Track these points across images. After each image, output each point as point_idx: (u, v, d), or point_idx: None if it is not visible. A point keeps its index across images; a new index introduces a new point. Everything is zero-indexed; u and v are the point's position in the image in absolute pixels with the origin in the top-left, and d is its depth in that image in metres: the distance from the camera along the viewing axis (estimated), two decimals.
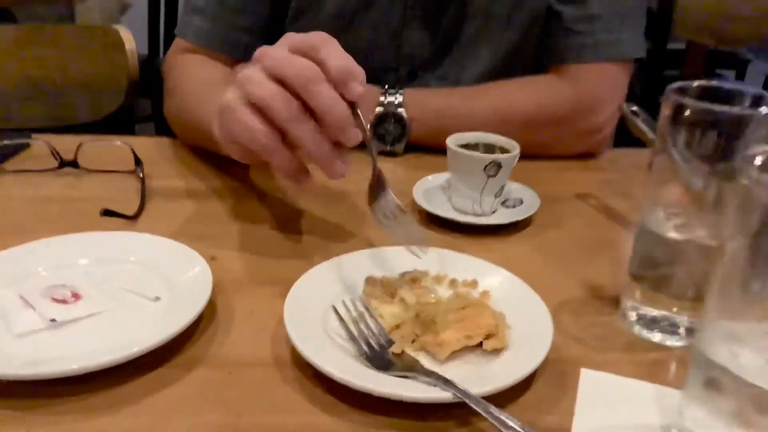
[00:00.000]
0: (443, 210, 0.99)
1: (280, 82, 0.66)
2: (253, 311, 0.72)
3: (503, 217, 1.00)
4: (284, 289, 0.71)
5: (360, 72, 0.66)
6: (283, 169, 0.70)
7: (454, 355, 0.67)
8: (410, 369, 0.63)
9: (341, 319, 0.68)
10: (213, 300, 0.71)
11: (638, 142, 1.13)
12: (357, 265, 0.74)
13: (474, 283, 0.79)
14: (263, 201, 0.99)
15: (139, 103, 2.48)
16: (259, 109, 0.67)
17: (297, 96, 0.65)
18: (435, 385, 0.61)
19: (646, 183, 0.74)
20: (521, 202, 1.04)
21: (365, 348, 0.67)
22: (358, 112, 0.68)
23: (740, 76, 4.34)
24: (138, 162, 1.07)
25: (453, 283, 0.79)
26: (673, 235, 0.72)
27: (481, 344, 0.67)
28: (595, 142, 1.27)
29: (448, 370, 0.65)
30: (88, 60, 1.62)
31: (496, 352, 0.67)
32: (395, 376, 0.63)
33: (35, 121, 1.64)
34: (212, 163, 1.14)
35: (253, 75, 0.67)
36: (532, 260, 0.90)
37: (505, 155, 0.96)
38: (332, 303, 0.73)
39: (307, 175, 0.72)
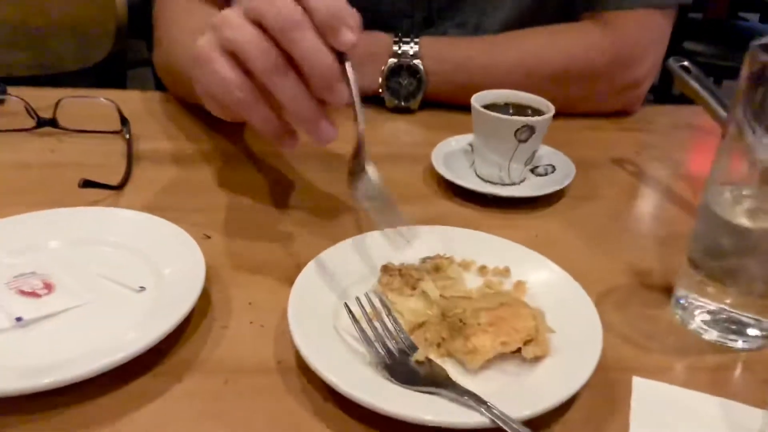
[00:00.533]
0: (465, 178, 0.88)
1: (261, 25, 0.54)
2: (252, 303, 0.62)
3: (534, 187, 0.89)
4: (288, 274, 0.64)
5: (352, 16, 0.54)
6: (262, 128, 0.60)
7: (488, 362, 0.57)
8: (437, 383, 0.54)
9: (355, 320, 0.58)
10: (207, 289, 0.63)
11: (667, 98, 1.01)
12: (372, 248, 0.65)
13: (506, 272, 0.69)
14: (265, 168, 0.89)
15: (133, 46, 2.33)
16: (236, 57, 0.55)
17: (279, 44, 0.53)
18: (466, 405, 0.51)
19: (715, 156, 0.63)
20: (553, 168, 0.93)
21: (384, 354, 0.57)
22: (348, 65, 0.57)
23: (765, 20, 4.15)
24: (124, 121, 0.96)
25: (482, 270, 0.69)
26: (743, 221, 0.61)
27: (518, 350, 0.57)
28: (631, 99, 1.15)
29: (481, 383, 0.56)
30: (71, 1, 1.48)
31: (536, 359, 0.57)
32: (419, 391, 0.53)
33: (17, 69, 1.51)
34: (207, 121, 1.03)
35: (230, 17, 0.55)
36: (567, 239, 0.80)
37: (539, 118, 0.85)
38: (344, 296, 0.63)
39: (293, 137, 0.63)
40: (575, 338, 0.59)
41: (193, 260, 0.64)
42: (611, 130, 1.12)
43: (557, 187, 0.87)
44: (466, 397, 0.52)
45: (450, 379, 0.55)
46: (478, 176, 0.91)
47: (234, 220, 0.76)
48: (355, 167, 0.63)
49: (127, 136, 0.90)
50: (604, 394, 0.58)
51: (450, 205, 0.86)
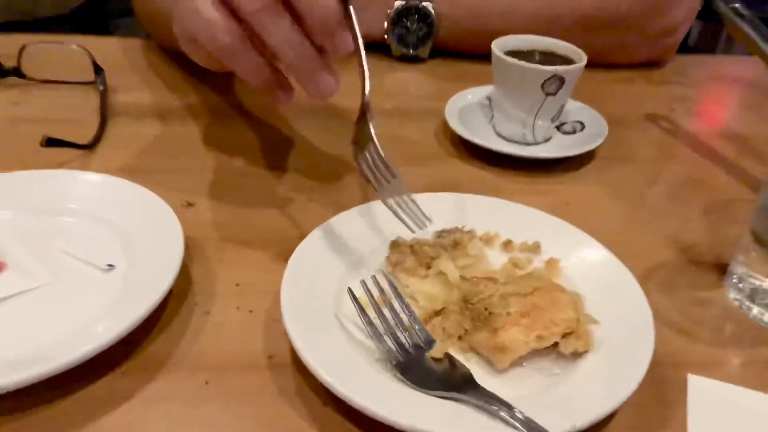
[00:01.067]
0: (483, 137, 0.78)
1: None
2: (240, 284, 0.53)
3: (561, 147, 0.79)
4: (283, 250, 0.56)
5: None
6: (251, 79, 0.53)
7: (519, 359, 0.48)
8: (458, 386, 0.45)
9: (360, 308, 0.49)
10: (186, 267, 0.57)
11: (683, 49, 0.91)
12: (380, 219, 0.55)
13: (536, 247, 0.59)
14: (259, 126, 0.80)
15: None
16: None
17: None
18: (494, 414, 0.42)
19: None
20: (582, 126, 0.83)
21: (395, 350, 0.48)
22: (351, 9, 0.50)
23: None
24: (98, 70, 0.85)
25: (507, 245, 0.59)
26: None
27: (555, 344, 0.48)
28: (664, 48, 1.04)
29: (510, 385, 0.47)
30: None
31: (576, 355, 0.48)
32: (436, 396, 0.44)
33: None
34: (194, 72, 0.92)
35: None
36: (601, 207, 0.70)
37: (570, 67, 0.74)
38: (347, 278, 0.54)
39: (287, 91, 0.56)
40: (621, 330, 0.50)
41: (171, 233, 0.56)
42: (642, 83, 1.02)
43: (588, 147, 0.77)
44: (494, 405, 0.43)
45: (474, 381, 0.46)
46: (497, 134, 0.81)
47: (221, 186, 0.67)
48: (360, 135, 0.55)
49: (101, 88, 0.80)
50: (656, 393, 0.49)
51: (466, 167, 0.76)
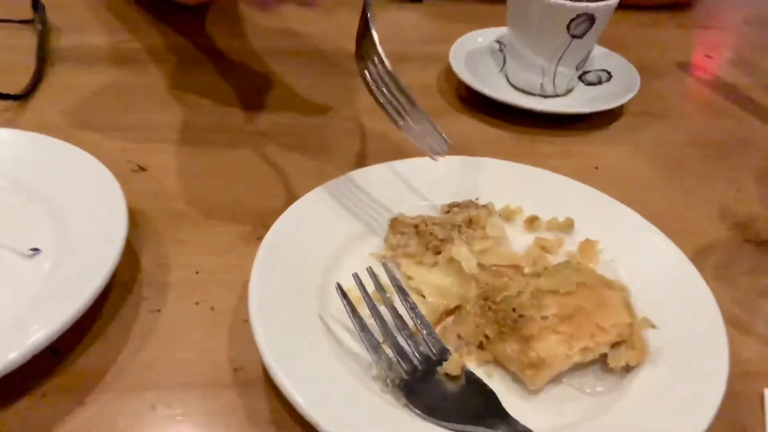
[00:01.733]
0: (494, 87, 0.66)
1: None
2: (201, 272, 0.42)
3: (585, 100, 0.68)
4: (255, 228, 0.48)
5: None
6: None
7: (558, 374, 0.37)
8: (480, 416, 0.34)
9: (351, 309, 0.38)
10: (132, 251, 0.48)
11: None
12: (378, 189, 0.44)
13: (568, 225, 0.48)
14: (229, 72, 0.72)
15: None
16: None
17: None
18: None
19: None
20: (608, 75, 0.71)
21: (397, 364, 0.37)
22: None
23: None
24: (37, 6, 0.72)
25: (533, 223, 0.48)
26: None
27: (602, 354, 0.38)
28: None
29: (545, 407, 0.38)
30: None
31: (628, 369, 0.37)
32: (453, 429, 0.34)
33: None
34: (154, 8, 0.78)
35: None
36: (636, 173, 0.60)
37: (601, 3, 0.61)
38: (335, 267, 0.43)
39: None
40: (683, 336, 0.39)
41: (112, 207, 0.46)
42: (670, 26, 0.90)
43: (620, 102, 0.65)
44: None
45: (501, 407, 0.35)
46: (510, 84, 0.69)
47: (183, 146, 0.59)
48: (364, 47, 0.46)
49: (40, 27, 0.66)
50: (725, 415, 0.38)
51: (473, 123, 0.64)
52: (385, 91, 0.46)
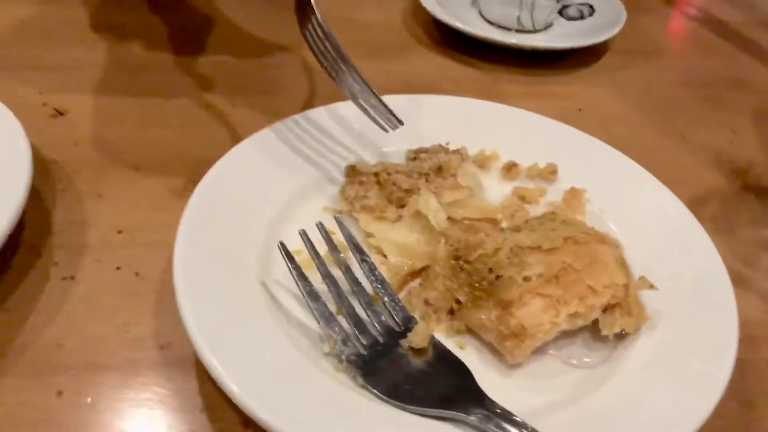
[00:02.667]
0: (466, 20, 0.61)
1: None
2: (124, 231, 0.36)
3: (567, 35, 0.63)
4: (186, 181, 0.42)
5: None
6: None
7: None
8: (451, 399, 0.28)
9: (298, 273, 0.31)
10: (43, 207, 0.41)
11: None
12: (326, 135, 0.37)
13: (551, 172, 0.42)
14: (157, 3, 0.63)
15: None
16: None
17: None
18: None
19: None
20: (591, 9, 0.65)
21: (352, 338, 0.31)
22: None
23: None
24: None
25: (511, 170, 0.42)
26: None
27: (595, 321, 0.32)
28: None
29: (528, 384, 0.32)
30: None
31: (623, 336, 0.32)
32: (416, 413, 0.28)
33: None
34: None
35: None
36: (624, 116, 0.56)
37: None
38: (279, 223, 0.36)
39: None
40: (685, 296, 0.34)
41: (13, 153, 0.40)
42: None
43: (603, 37, 0.59)
44: (509, 431, 0.27)
45: (476, 387, 0.29)
46: (484, 18, 0.63)
47: (108, 85, 0.52)
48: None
49: None
50: (731, 384, 0.33)
51: (444, 62, 0.59)
52: (329, 58, 0.39)
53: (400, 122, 0.38)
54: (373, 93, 0.38)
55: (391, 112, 0.38)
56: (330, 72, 0.40)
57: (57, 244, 0.38)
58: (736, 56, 0.64)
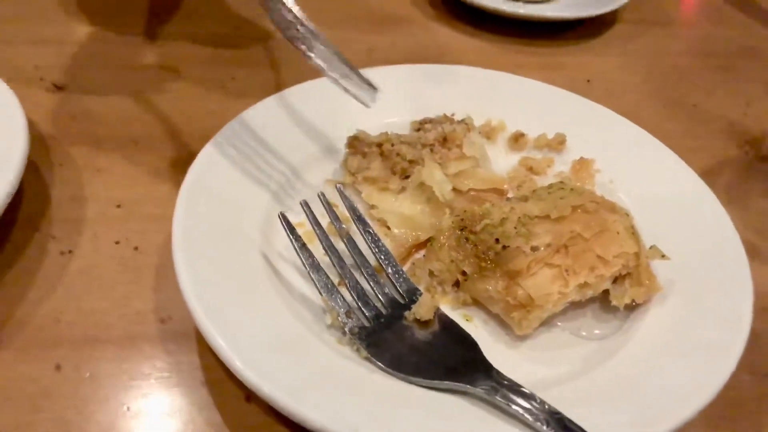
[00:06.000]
0: None
1: None
2: (123, 205, 0.37)
3: (574, 5, 0.60)
4: (187, 154, 0.41)
5: None
6: None
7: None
8: (457, 371, 0.28)
9: (300, 245, 0.31)
10: (41, 181, 0.40)
11: None
12: (327, 105, 0.36)
13: (559, 142, 0.41)
14: None
15: None
16: None
17: None
18: (516, 417, 0.26)
19: None
20: None
21: (356, 308, 0.30)
22: None
23: None
24: None
25: (518, 140, 0.41)
26: None
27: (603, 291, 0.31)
28: None
29: (536, 356, 0.31)
30: None
31: (633, 307, 0.31)
32: (422, 385, 0.27)
33: None
34: None
35: None
36: (634, 86, 0.55)
37: None
38: (279, 196, 0.36)
39: None
40: (698, 266, 0.33)
41: (9, 126, 0.38)
42: None
43: (612, 7, 0.58)
44: (517, 404, 0.26)
45: (483, 359, 0.28)
46: None
47: (105, 62, 0.51)
48: None
49: None
50: (746, 359, 0.32)
51: (449, 33, 0.58)
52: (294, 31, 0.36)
53: (374, 88, 0.36)
54: (345, 62, 0.36)
55: (366, 81, 0.36)
56: (297, 45, 0.38)
57: (55, 218, 0.37)
58: (749, 25, 0.63)
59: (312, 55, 0.37)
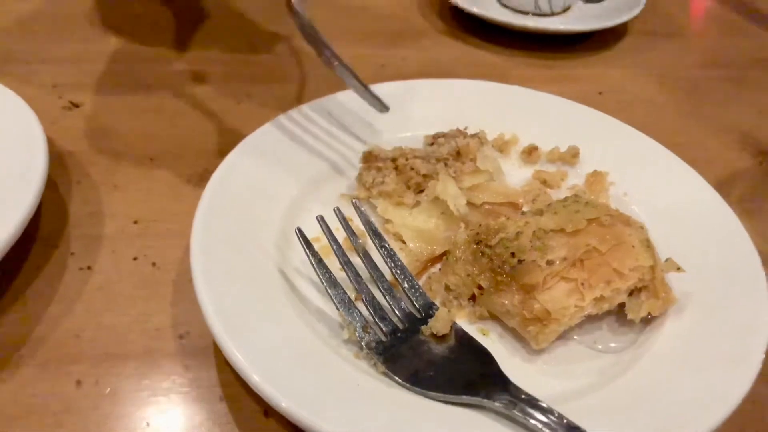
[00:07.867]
0: (483, 5, 0.60)
1: None
2: (140, 222, 0.36)
3: (585, 18, 0.61)
4: (202, 170, 0.42)
5: None
6: None
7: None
8: (475, 386, 0.28)
9: (316, 260, 0.31)
10: (60, 198, 0.41)
11: None
12: (342, 120, 0.37)
13: (573, 156, 0.41)
14: None
15: None
16: None
17: None
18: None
19: None
20: None
21: (372, 323, 0.30)
22: None
23: None
24: None
25: (532, 154, 0.41)
26: None
27: (619, 304, 0.31)
28: None
29: (551, 370, 0.31)
30: None
31: (648, 321, 0.31)
32: (439, 399, 0.27)
33: None
34: None
35: None
36: (646, 97, 0.55)
37: None
38: (295, 210, 0.36)
39: None
40: (714, 278, 0.33)
41: (29, 146, 0.39)
42: None
43: (622, 19, 0.58)
44: (534, 417, 0.26)
45: (501, 373, 0.29)
46: (500, 3, 0.62)
47: (120, 80, 0.50)
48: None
49: None
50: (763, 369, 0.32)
51: (461, 47, 0.58)
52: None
53: (386, 107, 0.38)
54: (358, 80, 0.38)
55: (376, 98, 0.38)
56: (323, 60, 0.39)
57: (74, 234, 0.38)
58: (760, 35, 0.63)
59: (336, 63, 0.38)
